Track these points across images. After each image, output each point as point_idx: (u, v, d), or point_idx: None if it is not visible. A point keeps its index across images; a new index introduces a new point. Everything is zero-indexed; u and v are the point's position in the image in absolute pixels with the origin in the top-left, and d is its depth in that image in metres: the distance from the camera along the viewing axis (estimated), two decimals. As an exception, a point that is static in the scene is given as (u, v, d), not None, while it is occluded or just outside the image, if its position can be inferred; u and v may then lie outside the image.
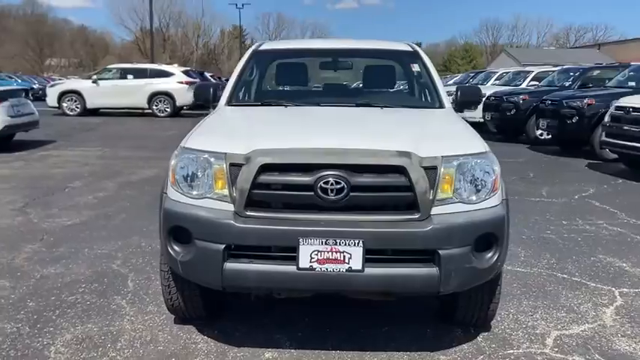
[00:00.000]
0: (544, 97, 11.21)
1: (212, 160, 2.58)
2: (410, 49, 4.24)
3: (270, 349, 2.87)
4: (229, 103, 3.80)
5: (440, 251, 2.45)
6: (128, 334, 3.02)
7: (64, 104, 18.69)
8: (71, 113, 18.52)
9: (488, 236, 2.57)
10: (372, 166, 2.50)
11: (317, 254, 2.43)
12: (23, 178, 7.57)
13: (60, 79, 26.41)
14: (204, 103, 3.89)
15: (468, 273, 2.53)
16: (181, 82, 19.07)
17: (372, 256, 2.46)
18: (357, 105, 3.59)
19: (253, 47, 4.38)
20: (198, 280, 2.66)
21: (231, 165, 2.53)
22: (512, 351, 2.90)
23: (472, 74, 21.12)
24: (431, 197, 2.49)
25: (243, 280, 2.53)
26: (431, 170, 2.51)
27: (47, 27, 79.53)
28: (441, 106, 3.69)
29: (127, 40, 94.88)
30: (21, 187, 6.93)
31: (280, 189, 2.52)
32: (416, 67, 4.17)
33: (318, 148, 2.55)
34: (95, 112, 19.16)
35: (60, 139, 11.83)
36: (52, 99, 18.84)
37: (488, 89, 13.35)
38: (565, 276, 3.98)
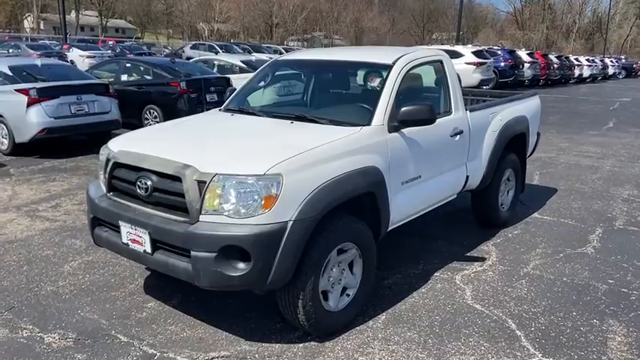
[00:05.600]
0: None
1: (107, 155, 3.48)
2: (385, 63, 3.94)
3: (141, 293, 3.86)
4: (226, 107, 4.42)
5: (191, 252, 2.92)
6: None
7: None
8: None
9: (236, 248, 2.85)
10: (164, 173, 3.08)
11: (129, 234, 3.21)
12: None
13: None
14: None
15: (216, 275, 2.90)
16: (469, 63, 18.82)
17: (161, 245, 3.09)
18: (296, 117, 3.79)
19: (275, 58, 4.88)
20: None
21: (107, 160, 3.45)
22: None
23: None
24: (198, 206, 2.93)
25: (101, 243, 3.51)
26: (202, 184, 2.93)
27: (435, 3, 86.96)
28: (369, 123, 3.59)
29: (504, 13, 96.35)
30: None
31: (121, 181, 3.34)
32: (375, 82, 4.00)
33: (138, 154, 3.28)
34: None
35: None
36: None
37: None
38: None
